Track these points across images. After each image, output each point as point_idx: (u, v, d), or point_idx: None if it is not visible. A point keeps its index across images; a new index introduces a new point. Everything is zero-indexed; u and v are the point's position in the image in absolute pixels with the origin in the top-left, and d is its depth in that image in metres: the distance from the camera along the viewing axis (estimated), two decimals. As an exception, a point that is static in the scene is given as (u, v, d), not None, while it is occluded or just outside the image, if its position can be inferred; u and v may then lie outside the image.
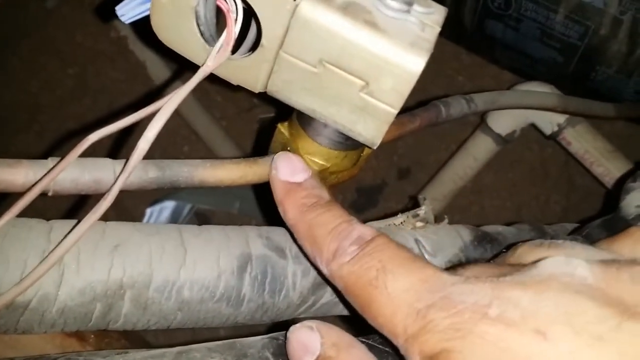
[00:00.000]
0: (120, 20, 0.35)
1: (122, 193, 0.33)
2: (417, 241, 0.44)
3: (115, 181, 0.31)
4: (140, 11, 0.35)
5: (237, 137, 1.21)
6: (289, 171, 0.37)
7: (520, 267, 0.28)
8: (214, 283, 0.36)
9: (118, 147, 0.94)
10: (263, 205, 1.10)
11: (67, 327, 0.33)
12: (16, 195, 0.31)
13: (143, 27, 0.36)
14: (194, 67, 0.36)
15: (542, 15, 0.88)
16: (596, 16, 0.85)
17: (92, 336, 0.48)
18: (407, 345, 0.27)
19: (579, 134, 0.97)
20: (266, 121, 1.22)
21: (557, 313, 0.25)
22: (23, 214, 0.31)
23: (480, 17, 0.95)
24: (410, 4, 0.33)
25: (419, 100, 0.55)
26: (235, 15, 0.33)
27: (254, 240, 0.39)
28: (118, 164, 0.34)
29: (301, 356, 0.31)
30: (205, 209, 1.16)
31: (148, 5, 0.34)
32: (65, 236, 0.30)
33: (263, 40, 0.33)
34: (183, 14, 0.34)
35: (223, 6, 0.33)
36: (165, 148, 1.16)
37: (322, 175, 0.42)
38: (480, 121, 1.09)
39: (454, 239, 0.45)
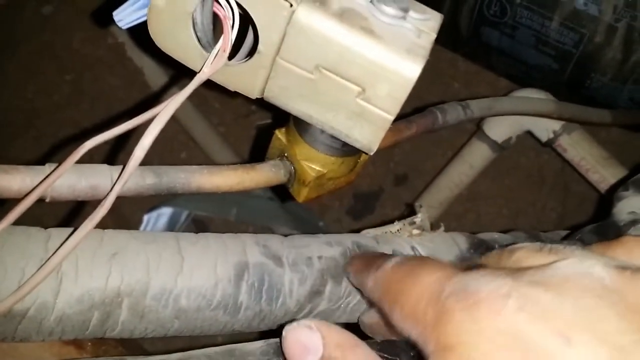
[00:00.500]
0: (117, 26, 0.35)
1: (120, 200, 0.33)
2: (413, 248, 0.44)
3: (112, 188, 0.31)
4: (137, 17, 0.35)
5: (234, 143, 1.21)
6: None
7: (531, 269, 0.28)
8: (211, 291, 0.36)
9: (116, 152, 0.94)
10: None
11: (65, 335, 0.33)
12: (13, 202, 0.31)
13: (140, 33, 0.36)
14: (191, 73, 0.36)
15: (537, 22, 0.89)
16: (591, 24, 0.86)
17: (90, 344, 0.48)
18: (426, 333, 0.27)
19: (575, 141, 0.98)
20: (263, 127, 1.22)
21: (580, 317, 0.24)
22: (20, 220, 0.31)
23: (476, 24, 0.95)
24: (406, 11, 0.33)
25: (416, 106, 0.56)
26: (232, 21, 0.33)
27: (251, 248, 0.38)
28: (115, 170, 0.34)
29: (302, 357, 0.30)
30: (203, 215, 1.15)
31: (145, 11, 0.34)
32: (63, 244, 0.30)
33: (260, 47, 0.34)
34: (180, 20, 0.34)
35: (220, 13, 0.33)
36: (162, 154, 1.16)
37: (319, 181, 0.42)
38: (476, 128, 1.10)
39: (450, 246, 0.46)
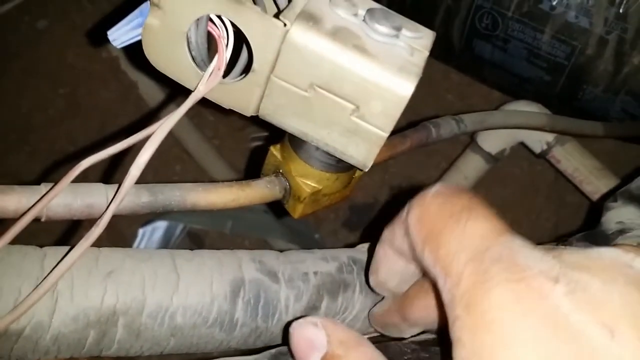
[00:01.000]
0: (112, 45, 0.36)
1: (115, 215, 0.33)
2: (408, 262, 0.44)
3: (108, 207, 0.31)
4: (132, 36, 0.35)
5: (229, 156, 1.21)
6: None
7: (569, 249, 0.26)
8: (207, 308, 0.36)
9: (112, 169, 0.94)
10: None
11: (61, 354, 0.33)
12: (10, 221, 0.31)
13: (134, 48, 0.36)
14: (186, 89, 0.36)
15: (529, 35, 0.89)
16: (582, 36, 0.86)
17: (85, 362, 0.48)
18: (457, 292, 0.26)
19: (568, 153, 0.98)
20: (259, 140, 1.22)
21: (626, 311, 0.23)
22: (16, 238, 0.31)
23: (468, 37, 0.96)
24: (399, 29, 0.34)
25: (410, 118, 0.56)
26: (226, 40, 0.33)
27: (247, 264, 0.39)
28: (111, 189, 0.34)
29: (307, 353, 0.29)
30: (198, 228, 1.15)
31: (140, 30, 0.35)
32: (58, 263, 0.30)
33: (254, 65, 0.34)
34: (175, 39, 0.34)
35: (214, 32, 0.33)
36: (157, 167, 1.16)
37: (315, 197, 0.42)
38: (470, 140, 1.10)
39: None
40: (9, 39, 1.21)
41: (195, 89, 0.34)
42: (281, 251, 0.42)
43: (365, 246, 0.45)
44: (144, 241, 1.09)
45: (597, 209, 0.97)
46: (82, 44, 1.21)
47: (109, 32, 0.36)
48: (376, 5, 0.35)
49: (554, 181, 1.19)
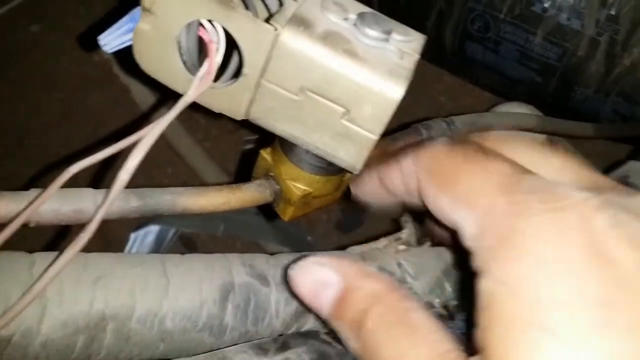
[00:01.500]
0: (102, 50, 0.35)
1: (105, 220, 0.32)
2: (399, 265, 0.44)
3: (97, 211, 0.31)
4: (122, 41, 0.35)
5: (221, 159, 1.21)
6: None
7: (610, 190, 0.26)
8: (197, 312, 0.36)
9: (103, 172, 0.94)
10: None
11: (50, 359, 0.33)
12: (-2, 227, 0.31)
13: (125, 52, 0.36)
14: (177, 93, 0.36)
15: (520, 37, 0.90)
16: (574, 38, 0.87)
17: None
18: (484, 222, 0.25)
19: (560, 154, 0.99)
20: (251, 143, 1.22)
21: None
22: (5, 244, 0.31)
23: (460, 39, 0.96)
24: (389, 33, 0.34)
25: (402, 120, 0.56)
26: (217, 45, 0.33)
27: (237, 268, 0.38)
28: (100, 194, 0.34)
29: (319, 291, 0.29)
30: (190, 232, 1.15)
31: (131, 35, 0.34)
32: (47, 269, 0.30)
33: (245, 69, 0.34)
34: (165, 44, 0.34)
35: (205, 36, 0.33)
36: (148, 171, 1.16)
37: (305, 200, 0.42)
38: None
39: (436, 261, 0.46)
40: (2, 44, 1.21)
41: (186, 93, 0.34)
42: (273, 254, 0.42)
43: (355, 249, 0.45)
44: (135, 245, 1.09)
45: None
46: (76, 48, 1.21)
47: (99, 37, 0.35)
48: (367, 9, 0.35)
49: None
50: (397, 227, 0.47)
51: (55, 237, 0.89)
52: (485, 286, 0.25)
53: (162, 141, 1.16)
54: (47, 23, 1.23)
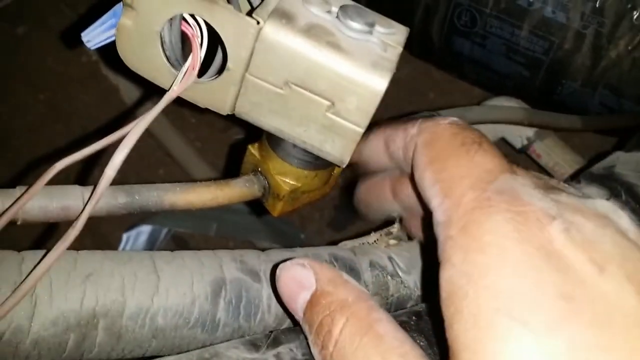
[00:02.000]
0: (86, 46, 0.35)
1: (99, 219, 0.32)
2: (390, 259, 0.44)
3: (84, 208, 0.31)
4: (105, 37, 0.35)
5: (212, 158, 1.21)
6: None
7: (566, 192, 0.28)
8: (188, 309, 0.36)
9: (90, 169, 0.94)
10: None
11: (42, 358, 0.33)
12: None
13: (115, 51, 0.36)
14: (163, 90, 0.36)
15: (507, 31, 0.90)
16: (559, 31, 0.87)
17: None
18: (454, 213, 0.27)
19: (548, 147, 0.99)
20: (240, 142, 1.22)
21: (615, 252, 0.25)
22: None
23: (447, 34, 0.97)
24: (372, 25, 0.34)
25: (391, 116, 0.56)
26: (200, 39, 0.33)
27: (228, 264, 0.38)
28: (87, 190, 0.34)
29: (296, 292, 0.30)
30: (182, 232, 1.15)
31: (113, 31, 0.34)
32: (36, 266, 0.30)
33: (229, 64, 0.34)
34: (148, 39, 0.34)
35: (188, 31, 0.33)
36: (140, 171, 1.16)
37: (294, 195, 0.42)
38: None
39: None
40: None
41: (170, 89, 0.34)
42: (263, 251, 0.42)
43: (347, 244, 0.46)
44: (128, 246, 1.09)
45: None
46: (61, 48, 1.20)
47: (82, 34, 0.35)
48: (349, 2, 0.35)
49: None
50: (388, 222, 0.47)
51: (42, 236, 0.89)
52: (447, 275, 0.26)
53: (153, 142, 1.16)
54: (32, 24, 1.23)
